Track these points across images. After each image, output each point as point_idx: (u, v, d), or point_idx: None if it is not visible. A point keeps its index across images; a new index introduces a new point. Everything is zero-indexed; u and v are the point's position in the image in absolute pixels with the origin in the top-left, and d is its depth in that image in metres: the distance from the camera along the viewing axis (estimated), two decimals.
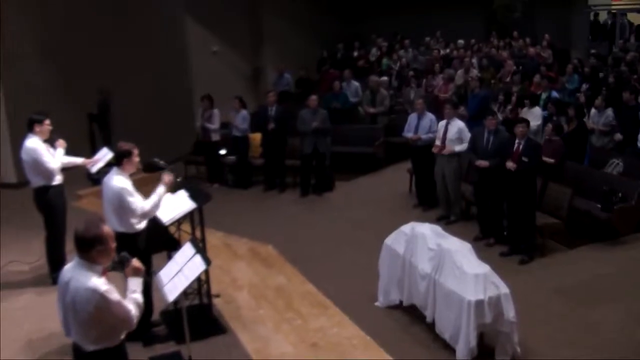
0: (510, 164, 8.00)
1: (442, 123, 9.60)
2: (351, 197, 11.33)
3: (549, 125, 9.39)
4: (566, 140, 9.48)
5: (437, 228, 6.78)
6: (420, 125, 10.10)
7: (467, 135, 9.35)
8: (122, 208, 6.04)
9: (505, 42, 18.47)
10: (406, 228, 6.86)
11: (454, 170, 9.52)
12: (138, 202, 6.08)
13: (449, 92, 13.72)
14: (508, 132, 8.93)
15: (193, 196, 6.63)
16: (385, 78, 14.87)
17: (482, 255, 6.48)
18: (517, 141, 8.11)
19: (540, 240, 8.39)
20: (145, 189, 6.35)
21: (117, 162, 6.17)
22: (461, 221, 9.68)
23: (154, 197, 6.20)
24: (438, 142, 9.55)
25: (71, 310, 3.89)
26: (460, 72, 14.79)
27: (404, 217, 8.32)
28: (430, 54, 17.48)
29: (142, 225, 6.22)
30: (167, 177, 6.32)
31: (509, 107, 11.70)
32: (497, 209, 8.63)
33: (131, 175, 6.22)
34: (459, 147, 9.37)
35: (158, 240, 6.49)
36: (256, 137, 12.22)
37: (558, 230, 8.50)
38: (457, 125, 9.44)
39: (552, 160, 8.90)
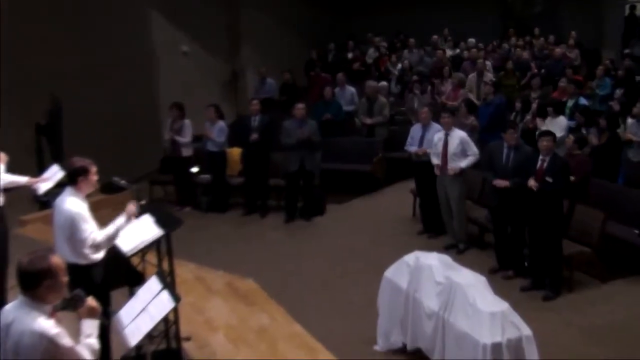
0: (532, 182, 8.03)
1: (439, 135, 9.66)
2: (345, 222, 11.35)
3: (570, 137, 9.45)
4: (596, 154, 9.52)
5: (446, 258, 6.78)
6: (426, 138, 10.14)
7: (472, 146, 9.42)
8: (73, 235, 6.00)
9: (525, 40, 18.61)
10: (409, 258, 6.86)
11: (459, 189, 9.57)
12: (91, 231, 6.01)
13: (458, 99, 13.81)
14: (528, 145, 8.97)
15: (160, 221, 6.61)
16: (384, 83, 14.94)
17: (499, 290, 6.47)
18: (540, 157, 8.14)
19: (567, 273, 8.38)
20: (101, 213, 6.32)
21: (71, 181, 6.10)
22: (474, 250, 9.71)
23: (110, 229, 6.12)
24: (436, 160, 9.61)
25: (13, 357, 3.82)
26: (472, 75, 14.90)
27: (406, 246, 8.30)
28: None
29: (99, 255, 6.18)
30: (131, 206, 6.27)
31: (528, 116, 11.78)
32: (517, 236, 8.66)
33: (87, 197, 6.20)
34: (464, 163, 9.43)
35: (118, 274, 6.45)
36: (234, 152, 12.24)
37: (588, 260, 8.51)
38: (458, 136, 9.50)
39: (572, 178, 8.90)
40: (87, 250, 6.03)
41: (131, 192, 6.41)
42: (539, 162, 8.12)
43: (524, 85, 15.25)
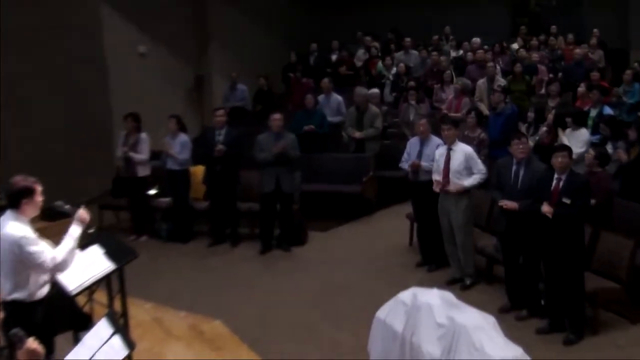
0: (546, 208, 8.02)
1: (441, 150, 9.68)
2: (329, 253, 11.34)
3: (590, 152, 9.47)
4: (625, 172, 9.56)
5: (449, 295, 6.78)
6: (424, 153, 10.17)
7: (478, 163, 9.45)
8: (23, 263, 5.95)
9: (539, 39, 18.75)
10: (406, 296, 6.86)
11: (464, 214, 9.55)
12: (46, 251, 6.00)
13: (462, 108, 13.87)
14: (544, 162, 8.97)
15: (111, 253, 6.58)
16: (375, 90, 14.95)
17: (511, 333, 6.48)
18: (556, 176, 8.16)
19: (591, 312, 8.38)
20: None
21: (11, 203, 6.08)
22: (482, 285, 9.71)
23: (67, 242, 6.12)
24: (437, 177, 9.62)
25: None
26: (481, 82, 14.95)
27: (402, 281, 8.32)
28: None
29: (43, 291, 6.15)
30: (83, 213, 6.27)
31: (543, 128, 11.81)
32: (530, 269, 8.66)
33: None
34: (469, 181, 9.44)
35: (61, 316, 6.40)
36: (199, 171, 12.23)
37: (616, 297, 8.48)
38: (463, 151, 9.52)
39: (593, 201, 8.91)
40: (39, 280, 6.02)
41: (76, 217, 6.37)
42: (554, 182, 8.10)
43: (533, 90, 15.32)
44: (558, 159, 8.08)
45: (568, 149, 8.29)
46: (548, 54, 17.57)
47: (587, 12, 20.04)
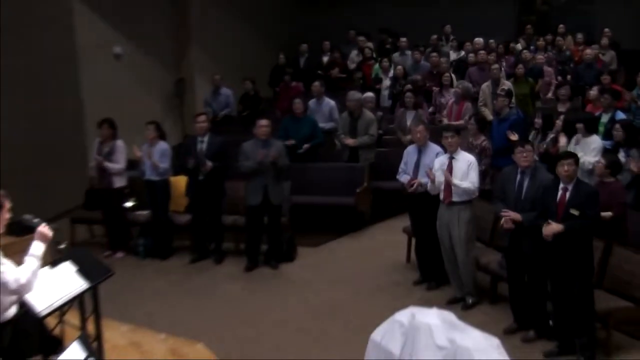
0: (550, 229, 7.99)
1: (442, 159, 9.68)
2: (321, 270, 11.34)
3: (601, 161, 9.46)
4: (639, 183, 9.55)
5: (450, 316, 6.71)
6: (423, 162, 10.16)
7: (472, 174, 9.42)
8: None
9: (546, 39, 18.81)
10: (403, 316, 6.79)
11: (466, 228, 9.54)
12: (9, 272, 5.98)
13: (463, 115, 13.87)
14: (551, 173, 8.97)
15: (84, 271, 6.56)
16: (370, 94, 14.92)
17: (517, 356, 6.48)
18: (561, 186, 8.17)
19: (603, 334, 8.38)
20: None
21: None
22: (485, 305, 9.72)
23: (30, 262, 6.09)
24: (432, 185, 9.63)
25: None
26: (485, 85, 14.96)
27: (399, 300, 8.32)
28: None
29: (10, 313, 6.13)
30: (44, 229, 6.25)
31: (551, 135, 11.82)
32: (536, 287, 8.66)
33: None
34: (458, 182, 9.39)
35: (30, 339, 6.38)
36: (180, 181, 12.24)
37: (630, 317, 8.49)
38: (466, 160, 9.53)
39: (607, 214, 8.90)
40: (5, 301, 6.00)
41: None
42: (560, 192, 8.10)
43: (537, 94, 15.34)
44: (564, 167, 8.05)
45: (574, 156, 8.26)
46: (556, 55, 17.61)
47: (598, 10, 20.12)
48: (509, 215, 8.50)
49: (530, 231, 8.37)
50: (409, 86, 15.10)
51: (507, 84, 14.65)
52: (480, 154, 10.94)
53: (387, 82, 17.18)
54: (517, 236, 8.61)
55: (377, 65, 18.00)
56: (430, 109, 15.45)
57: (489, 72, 15.46)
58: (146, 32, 16.81)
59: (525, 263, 8.67)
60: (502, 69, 16.16)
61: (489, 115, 14.07)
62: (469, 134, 11.60)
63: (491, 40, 18.42)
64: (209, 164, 11.39)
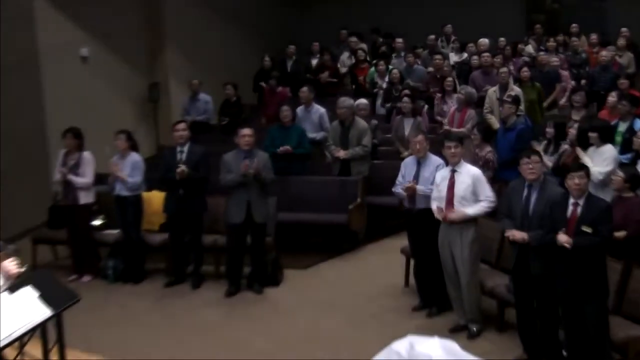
0: (564, 238, 8.01)
1: (444, 172, 9.67)
2: (310, 295, 11.32)
3: (619, 174, 9.48)
4: None
5: (453, 346, 6.73)
6: (422, 175, 10.14)
7: (486, 188, 9.41)
8: None
9: (557, 40, 18.85)
10: (401, 346, 6.81)
11: (470, 249, 9.51)
12: None
13: (466, 122, 13.85)
14: (562, 187, 8.97)
15: (47, 297, 6.53)
16: (363, 101, 14.77)
17: None
18: (572, 201, 8.16)
19: None
20: None
21: None
22: (491, 332, 9.70)
23: None
24: (437, 204, 9.59)
25: None
26: (492, 90, 14.92)
27: (397, 328, 8.32)
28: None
29: None
30: (11, 266, 6.23)
31: (565, 145, 11.82)
32: (547, 313, 8.66)
33: None
34: (473, 209, 9.37)
35: None
36: (155, 197, 12.24)
37: None
38: (470, 173, 9.50)
39: (621, 234, 8.88)
40: None
41: (5, 255, 6.35)
42: (570, 208, 8.10)
43: (543, 100, 15.37)
44: (574, 181, 8.04)
45: (585, 169, 8.25)
46: (571, 57, 17.64)
47: (614, 8, 20.16)
48: (514, 235, 8.53)
49: (538, 251, 8.37)
50: (406, 91, 15.08)
51: (515, 90, 14.59)
52: (483, 166, 10.94)
53: (384, 87, 17.19)
54: (524, 257, 8.59)
55: (372, 69, 17.98)
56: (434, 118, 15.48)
57: (496, 76, 15.47)
58: (116, 32, 16.78)
59: (533, 286, 8.64)
60: (510, 72, 16.16)
61: (495, 123, 14.02)
62: (472, 145, 11.60)
63: (502, 39, 18.43)
64: (183, 167, 11.38)
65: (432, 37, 19.37)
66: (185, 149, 11.65)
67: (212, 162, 11.71)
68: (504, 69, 15.37)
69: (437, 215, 9.55)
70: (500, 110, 13.74)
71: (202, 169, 11.58)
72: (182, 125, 11.91)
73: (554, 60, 16.73)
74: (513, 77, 15.94)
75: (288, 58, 19.31)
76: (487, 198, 9.40)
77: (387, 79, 17.18)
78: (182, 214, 11.67)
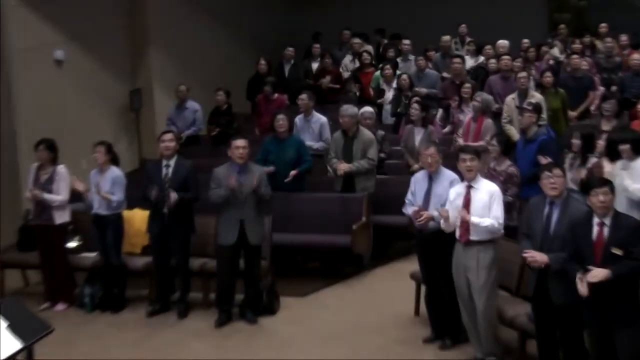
0: (599, 274, 7.85)
1: (458, 189, 9.63)
2: (309, 326, 11.30)
3: None
4: None
5: None
6: (434, 192, 10.10)
7: (495, 208, 9.34)
8: None
9: (584, 42, 18.86)
10: None
11: (487, 272, 9.47)
12: None
13: (483, 134, 13.78)
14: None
15: (16, 327, 6.52)
16: (369, 109, 14.75)
17: None
18: (596, 220, 8.12)
19: None
20: None
21: None
22: None
23: None
24: (446, 223, 9.58)
25: None
26: (510, 98, 14.87)
27: None
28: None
29: None
30: None
31: (593, 158, 11.78)
32: (572, 345, 8.65)
33: None
34: (478, 220, 9.29)
35: None
36: (136, 216, 12.26)
37: None
38: (487, 190, 9.47)
39: None
40: None
41: None
42: (595, 229, 8.06)
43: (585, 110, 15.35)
44: (599, 198, 7.99)
45: (609, 184, 8.22)
46: (602, 61, 17.62)
47: None
48: (533, 257, 8.50)
49: (560, 275, 8.35)
50: (416, 98, 15.02)
51: (536, 97, 14.55)
52: (505, 183, 10.88)
53: (390, 94, 17.17)
54: (544, 282, 8.59)
55: (377, 73, 17.98)
56: (447, 128, 15.47)
57: (515, 81, 15.41)
58: (94, 33, 16.74)
59: (555, 314, 8.63)
60: (531, 78, 16.14)
61: (515, 134, 13.94)
62: (490, 158, 11.55)
63: (525, 41, 18.43)
64: (174, 195, 11.30)
65: (447, 37, 19.28)
66: (172, 163, 11.61)
67: (201, 177, 11.69)
68: (523, 74, 15.35)
69: (443, 224, 9.56)
70: (519, 119, 13.68)
71: (190, 187, 11.55)
72: (169, 136, 11.82)
73: (583, 64, 16.71)
74: (535, 83, 15.95)
75: (285, 62, 19.37)
76: (495, 219, 9.31)
77: (394, 84, 17.16)
78: (167, 235, 11.63)
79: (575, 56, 17.10)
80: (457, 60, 17.25)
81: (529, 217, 8.89)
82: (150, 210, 11.81)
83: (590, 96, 15.88)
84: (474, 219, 9.27)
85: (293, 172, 13.13)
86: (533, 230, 8.71)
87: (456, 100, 15.74)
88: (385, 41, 20.72)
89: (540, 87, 15.55)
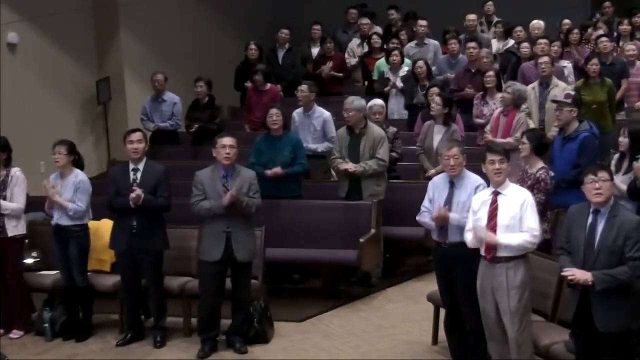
0: None
1: (484, 195, 9.60)
2: (308, 355, 11.31)
3: None
4: None
5: None
6: (455, 199, 10.12)
7: (529, 217, 9.29)
8: None
9: (634, 22, 18.89)
10: None
11: (518, 293, 9.42)
12: None
13: (514, 130, 13.81)
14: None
15: None
16: (379, 101, 14.75)
17: None
18: None
19: None
20: None
21: None
22: None
23: None
24: (470, 235, 9.54)
25: None
26: (532, 87, 14.90)
27: None
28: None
29: None
30: None
31: None
32: None
33: None
34: (507, 239, 9.27)
35: None
36: (104, 227, 12.26)
37: None
38: (519, 196, 9.45)
39: None
40: None
41: None
42: None
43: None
44: None
45: None
46: None
47: None
48: (573, 275, 8.45)
49: (606, 297, 8.32)
50: (434, 89, 14.93)
51: (560, 85, 14.58)
52: (533, 188, 10.84)
53: (398, 84, 17.20)
54: (586, 305, 8.55)
55: (382, 60, 18.02)
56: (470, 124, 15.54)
57: (545, 67, 15.35)
58: (54, 12, 16.76)
59: (599, 344, 8.62)
60: (569, 64, 16.16)
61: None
62: (519, 159, 11.52)
63: (566, 21, 18.46)
64: (139, 191, 11.24)
65: (473, 16, 19.33)
66: (141, 166, 11.57)
67: (180, 181, 11.68)
68: (544, 59, 15.33)
69: (471, 241, 9.52)
70: (557, 113, 13.50)
71: (162, 194, 11.51)
72: (136, 135, 11.70)
73: (630, 48, 16.73)
74: (577, 70, 15.96)
75: (279, 46, 19.38)
76: (530, 230, 9.27)
77: (403, 72, 17.16)
78: (135, 252, 11.57)
79: (604, 39, 17.08)
80: (472, 44, 17.30)
81: (569, 228, 8.80)
82: (114, 223, 11.81)
83: (624, 85, 15.92)
84: (501, 238, 9.21)
85: (277, 170, 13.12)
86: (574, 244, 8.65)
87: (470, 89, 15.80)
88: (398, 21, 20.75)
89: (585, 76, 15.55)
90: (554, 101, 13.19)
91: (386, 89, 17.31)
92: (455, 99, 15.73)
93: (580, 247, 8.56)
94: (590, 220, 8.54)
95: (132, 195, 11.23)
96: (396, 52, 17.69)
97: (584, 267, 8.42)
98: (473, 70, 16.67)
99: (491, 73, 15.58)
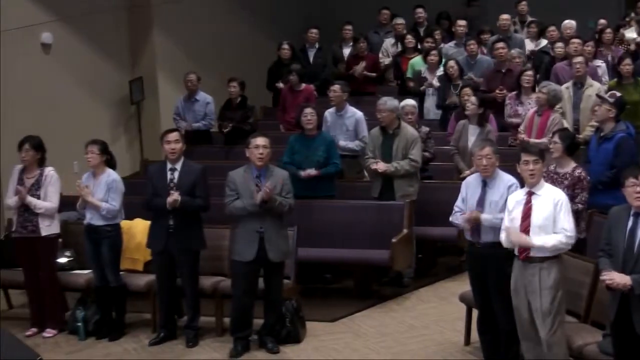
0: None
1: (518, 195, 9.56)
2: (340, 355, 11.28)
3: None
4: None
5: None
6: (488, 199, 10.08)
7: (563, 218, 9.24)
8: None
9: None
10: None
11: (550, 293, 9.39)
12: None
13: (548, 130, 13.73)
14: None
15: None
16: (411, 102, 14.73)
17: None
18: None
19: None
20: None
21: None
22: None
23: None
24: (507, 239, 9.54)
25: None
26: (566, 86, 14.84)
27: None
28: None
29: None
30: None
31: None
32: None
33: None
34: (541, 240, 9.21)
35: None
36: (137, 227, 12.33)
37: None
38: (553, 197, 9.38)
39: None
40: None
41: None
42: None
43: None
44: None
45: None
46: None
47: None
48: (612, 279, 8.39)
49: None
50: (468, 89, 14.86)
51: (595, 86, 14.54)
52: (570, 188, 10.78)
53: (435, 84, 17.13)
54: (626, 309, 8.48)
55: (417, 59, 18.00)
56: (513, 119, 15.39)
57: (579, 67, 15.29)
58: (88, 13, 16.77)
59: (637, 347, 8.61)
60: (602, 64, 16.10)
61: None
62: (551, 159, 11.45)
63: (601, 21, 18.37)
64: (176, 195, 11.21)
65: (506, 16, 19.17)
66: (178, 166, 11.54)
67: (213, 181, 11.68)
68: (579, 59, 15.29)
69: (505, 241, 9.50)
70: (595, 112, 13.36)
71: (200, 194, 11.50)
72: (174, 135, 11.68)
73: None
74: (611, 71, 15.90)
75: (309, 46, 19.38)
76: (563, 231, 9.22)
77: (438, 72, 17.12)
78: (172, 251, 11.58)
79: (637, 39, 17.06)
80: (501, 44, 17.20)
81: (609, 230, 8.71)
82: (151, 223, 11.77)
83: None
84: (535, 240, 9.18)
85: (312, 171, 13.14)
86: (614, 247, 8.57)
87: (502, 90, 15.74)
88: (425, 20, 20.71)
89: (618, 76, 15.47)
90: (598, 96, 13.09)
91: (422, 87, 17.30)
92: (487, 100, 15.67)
93: (620, 251, 8.48)
94: (630, 223, 8.45)
95: (169, 199, 11.22)
96: (434, 52, 17.68)
97: (623, 270, 8.34)
98: (503, 71, 16.60)
99: (529, 73, 15.51)
